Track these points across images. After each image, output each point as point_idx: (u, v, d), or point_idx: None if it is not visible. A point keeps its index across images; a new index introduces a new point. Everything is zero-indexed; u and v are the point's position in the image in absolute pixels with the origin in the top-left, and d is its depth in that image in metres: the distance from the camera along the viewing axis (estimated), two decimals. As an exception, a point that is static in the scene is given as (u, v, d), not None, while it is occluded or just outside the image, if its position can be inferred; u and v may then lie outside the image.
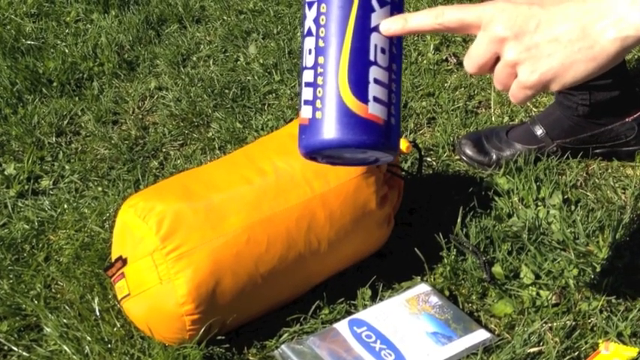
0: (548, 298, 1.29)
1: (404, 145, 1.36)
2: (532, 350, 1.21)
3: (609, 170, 1.58)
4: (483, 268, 1.33)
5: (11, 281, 1.39)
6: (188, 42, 2.15)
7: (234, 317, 1.22)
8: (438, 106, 1.81)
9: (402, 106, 1.82)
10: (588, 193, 1.52)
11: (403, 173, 1.44)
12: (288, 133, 1.36)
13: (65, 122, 1.85)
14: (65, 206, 1.57)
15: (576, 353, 1.21)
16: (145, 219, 1.20)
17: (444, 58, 2.00)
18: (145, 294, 1.20)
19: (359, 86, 0.81)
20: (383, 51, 0.82)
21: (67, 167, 1.70)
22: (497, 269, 1.34)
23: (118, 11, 2.32)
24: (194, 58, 2.08)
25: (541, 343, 1.23)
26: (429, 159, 1.65)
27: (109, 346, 1.25)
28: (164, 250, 1.17)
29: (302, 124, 0.83)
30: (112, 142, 1.76)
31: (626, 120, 1.55)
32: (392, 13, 0.82)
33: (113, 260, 1.24)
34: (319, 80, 0.82)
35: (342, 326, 1.25)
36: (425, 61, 1.98)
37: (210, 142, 1.74)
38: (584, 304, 1.28)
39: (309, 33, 0.83)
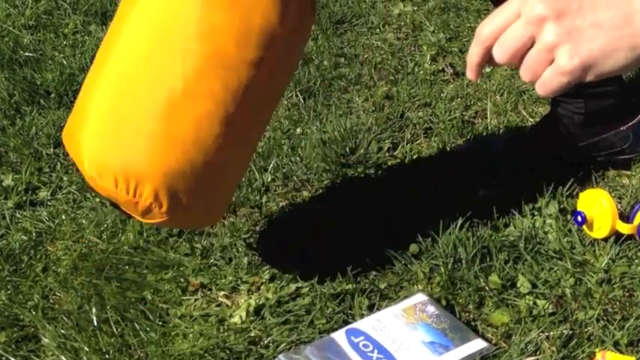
0: (545, 307, 1.29)
1: None
2: (529, 359, 1.22)
3: (605, 180, 1.59)
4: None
5: (9, 292, 1.39)
6: (186, 53, 2.15)
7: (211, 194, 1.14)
8: (435, 117, 1.82)
9: (399, 117, 1.82)
10: (584, 203, 1.53)
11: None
12: None
13: (63, 133, 1.85)
14: (63, 217, 1.57)
15: (573, 362, 1.22)
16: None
17: (440, 68, 2.01)
18: None
19: None
20: None
21: (64, 178, 1.70)
22: (494, 278, 1.34)
23: (116, 23, 2.32)
24: (192, 70, 2.08)
25: (538, 352, 1.23)
26: (425, 169, 1.66)
27: (107, 356, 1.25)
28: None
29: None
30: (110, 153, 1.76)
31: (621, 129, 1.55)
32: None
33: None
34: None
35: (339, 336, 1.25)
36: (421, 72, 1.99)
37: (208, 153, 1.74)
38: (580, 313, 1.28)
39: None
